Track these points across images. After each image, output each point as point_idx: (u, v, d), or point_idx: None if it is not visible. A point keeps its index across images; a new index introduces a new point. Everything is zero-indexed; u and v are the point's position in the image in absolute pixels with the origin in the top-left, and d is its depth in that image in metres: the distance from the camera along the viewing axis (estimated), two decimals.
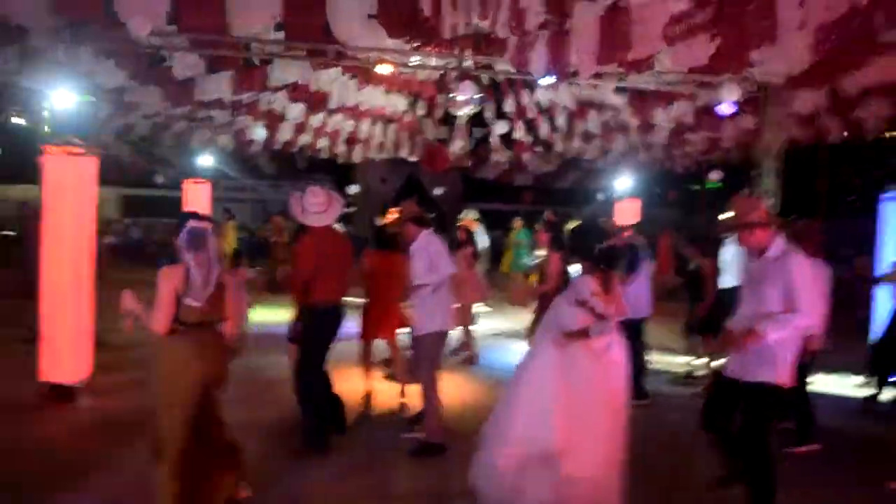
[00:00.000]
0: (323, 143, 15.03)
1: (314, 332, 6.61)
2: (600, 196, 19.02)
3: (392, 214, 7.68)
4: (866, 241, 10.73)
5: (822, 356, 6.95)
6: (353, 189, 22.10)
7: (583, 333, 4.91)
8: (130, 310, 4.61)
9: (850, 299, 10.61)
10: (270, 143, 14.28)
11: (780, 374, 4.80)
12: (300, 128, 13.54)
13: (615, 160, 14.66)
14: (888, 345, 8.81)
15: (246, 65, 10.30)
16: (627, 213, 12.68)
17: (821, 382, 9.29)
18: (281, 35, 9.56)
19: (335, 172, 28.91)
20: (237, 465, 5.10)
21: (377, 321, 7.83)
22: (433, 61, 10.70)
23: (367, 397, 7.84)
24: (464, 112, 10.00)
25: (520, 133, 14.02)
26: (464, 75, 9.97)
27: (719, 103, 9.73)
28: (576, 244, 5.47)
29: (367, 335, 7.85)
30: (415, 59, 10.26)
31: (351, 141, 14.93)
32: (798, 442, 6.98)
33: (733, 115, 10.98)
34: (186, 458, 4.61)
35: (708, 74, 9.57)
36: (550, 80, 9.70)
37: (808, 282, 4.80)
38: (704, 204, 20.84)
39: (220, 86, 10.54)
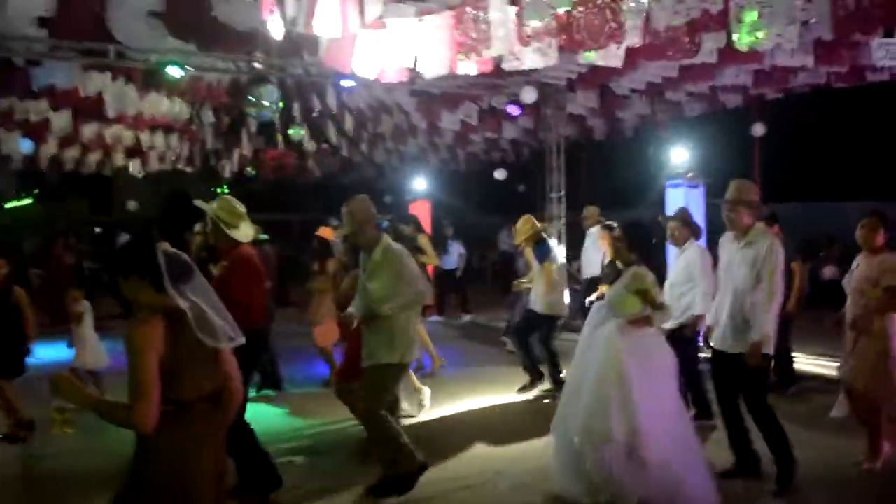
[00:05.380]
0: (95, 156, 13.20)
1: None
2: (387, 198, 18.68)
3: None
4: None
5: None
6: (132, 205, 19.90)
7: (647, 320, 4.86)
8: None
9: None
10: (35, 159, 12.22)
11: None
12: (68, 140, 11.73)
13: (405, 162, 14.43)
14: None
15: (4, 66, 8.62)
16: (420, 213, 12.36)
17: None
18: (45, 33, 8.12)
19: (89, 190, 26.02)
20: None
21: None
22: (220, 63, 9.64)
23: None
24: (264, 117, 9.06)
25: (304, 137, 13.23)
26: (257, 78, 9.05)
27: (512, 104, 9.66)
28: (635, 238, 5.07)
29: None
30: (203, 62, 9.18)
31: (131, 153, 13.22)
32: None
33: (517, 116, 11.07)
34: None
35: (496, 77, 9.46)
36: (350, 82, 9.14)
37: None
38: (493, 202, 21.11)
39: None
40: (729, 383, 5.12)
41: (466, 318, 13.33)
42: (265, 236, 9.42)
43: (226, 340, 2.84)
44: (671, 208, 8.57)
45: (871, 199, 14.95)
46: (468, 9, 5.73)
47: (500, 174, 14.16)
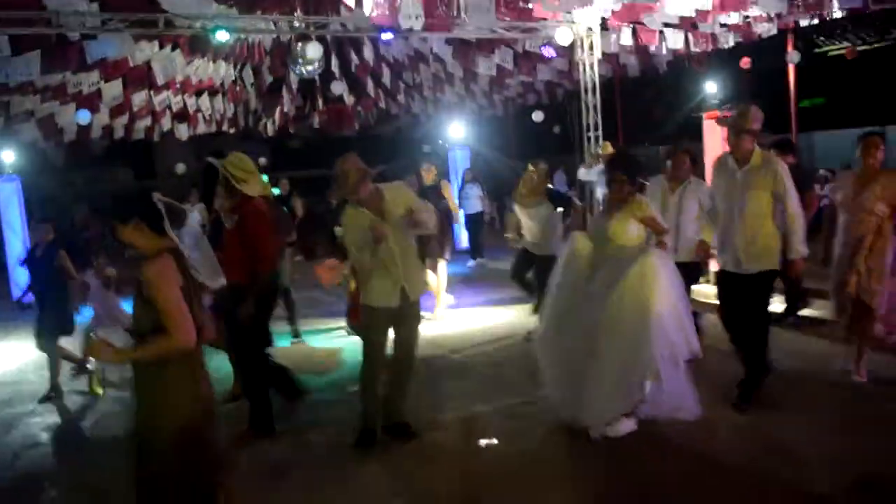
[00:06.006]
0: (144, 123, 13.57)
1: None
2: (426, 147, 18.83)
3: None
4: None
5: None
6: (181, 168, 20.29)
7: (662, 245, 5.03)
8: None
9: None
10: (87, 130, 12.58)
11: None
12: (119, 109, 12.08)
13: (442, 110, 14.56)
14: None
15: (59, 42, 8.91)
16: (461, 161, 12.61)
17: None
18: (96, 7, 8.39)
19: (132, 157, 26.42)
20: None
21: None
22: (261, 24, 9.86)
23: None
24: (308, 73, 9.27)
25: (343, 90, 13.39)
26: (301, 36, 9.24)
27: (546, 46, 9.72)
28: (631, 166, 5.07)
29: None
30: (246, 24, 9.39)
31: (179, 117, 13.55)
32: None
33: (550, 59, 11.13)
34: None
35: (530, 21, 9.52)
36: (389, 35, 9.29)
37: None
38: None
39: (28, 67, 9.09)
40: (739, 303, 5.19)
41: (471, 263, 12.58)
42: (276, 190, 9.68)
43: (210, 281, 3.09)
44: (708, 141, 8.70)
45: None
46: None
47: (536, 116, 14.28)
